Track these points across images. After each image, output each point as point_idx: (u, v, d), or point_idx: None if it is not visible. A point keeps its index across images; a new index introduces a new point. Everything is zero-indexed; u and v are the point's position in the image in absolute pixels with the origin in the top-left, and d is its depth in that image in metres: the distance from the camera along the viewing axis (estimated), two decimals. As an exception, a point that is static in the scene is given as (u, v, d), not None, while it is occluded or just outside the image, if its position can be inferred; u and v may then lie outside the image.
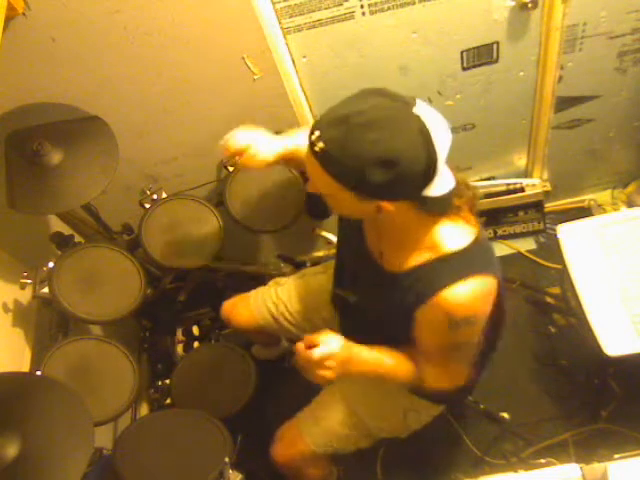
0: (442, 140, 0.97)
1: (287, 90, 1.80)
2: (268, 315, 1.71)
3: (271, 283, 1.78)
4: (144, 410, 2.20)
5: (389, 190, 0.98)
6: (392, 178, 0.95)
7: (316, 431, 1.51)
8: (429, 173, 0.98)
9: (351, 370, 1.19)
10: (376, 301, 1.28)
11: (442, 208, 1.08)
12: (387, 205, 1.01)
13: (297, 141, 1.36)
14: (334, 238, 2.20)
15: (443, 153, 0.98)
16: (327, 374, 1.15)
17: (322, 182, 1.01)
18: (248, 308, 1.75)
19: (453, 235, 1.11)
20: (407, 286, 1.14)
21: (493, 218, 2.35)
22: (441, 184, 1.03)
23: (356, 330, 1.55)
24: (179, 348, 2.33)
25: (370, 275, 1.27)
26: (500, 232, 2.39)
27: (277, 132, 1.88)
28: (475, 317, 1.12)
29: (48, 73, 1.65)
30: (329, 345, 1.14)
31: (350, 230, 1.33)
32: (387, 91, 0.99)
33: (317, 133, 0.97)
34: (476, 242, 1.12)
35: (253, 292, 1.78)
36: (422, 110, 0.97)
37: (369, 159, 0.94)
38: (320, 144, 0.96)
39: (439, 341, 1.17)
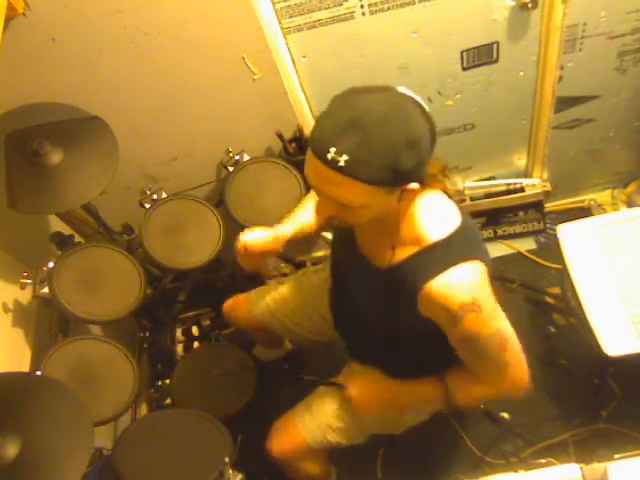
0: (427, 108, 1.01)
1: (287, 90, 1.80)
2: (268, 312, 1.72)
3: (272, 281, 1.79)
4: (144, 410, 2.20)
5: (418, 169, 0.99)
6: (418, 156, 0.97)
7: (311, 424, 1.51)
8: (435, 140, 1.02)
9: (378, 397, 1.35)
10: (374, 302, 1.28)
11: (426, 177, 1.08)
12: (413, 186, 1.01)
13: (298, 221, 1.46)
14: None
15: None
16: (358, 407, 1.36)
17: (353, 195, 0.98)
18: (249, 306, 1.75)
19: (438, 222, 1.12)
20: (398, 280, 1.14)
21: (493, 218, 2.35)
22: None
23: (354, 333, 1.56)
24: (179, 348, 2.33)
25: (361, 273, 1.27)
26: (500, 232, 2.39)
27: (277, 132, 1.90)
28: (474, 304, 1.07)
29: (48, 73, 1.65)
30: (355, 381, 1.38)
31: (342, 233, 1.34)
32: (364, 87, 1.00)
33: (333, 150, 0.93)
34: (460, 228, 1.13)
35: (254, 290, 1.79)
36: (403, 89, 1.01)
37: (397, 147, 0.94)
38: (344, 157, 0.93)
39: (456, 338, 1.15)
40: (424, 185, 1.08)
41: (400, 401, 1.38)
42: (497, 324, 1.13)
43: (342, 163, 0.93)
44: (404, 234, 1.13)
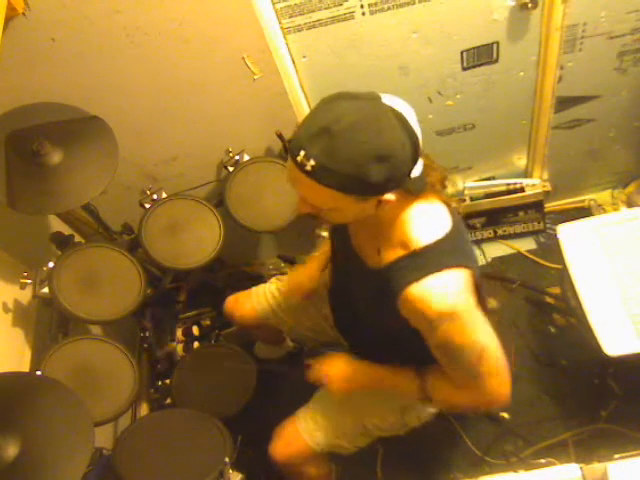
0: (414, 120, 1.00)
1: (287, 90, 1.80)
2: (269, 309, 1.73)
3: (272, 279, 1.80)
4: (144, 410, 2.20)
5: (390, 182, 0.99)
6: (390, 170, 0.97)
7: (314, 429, 1.51)
8: (416, 154, 1.01)
9: (353, 380, 1.37)
10: (369, 301, 1.29)
11: (421, 186, 1.09)
12: (389, 197, 1.02)
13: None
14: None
15: (419, 132, 1.01)
16: (331, 387, 1.37)
17: (321, 198, 1.00)
18: (250, 303, 1.77)
19: (427, 227, 1.12)
20: (385, 281, 1.14)
21: (493, 218, 2.35)
22: (419, 163, 1.06)
23: (353, 332, 1.56)
24: (179, 348, 2.33)
25: (357, 273, 1.28)
26: (500, 232, 2.39)
27: (277, 132, 1.90)
28: (453, 313, 1.07)
29: (48, 73, 1.65)
30: (330, 363, 1.39)
31: (338, 231, 1.35)
32: (349, 93, 0.99)
33: (302, 153, 0.95)
34: (449, 235, 1.12)
35: (255, 288, 1.80)
36: (388, 99, 1.00)
37: (364, 159, 0.94)
38: (310, 162, 0.95)
39: (432, 343, 1.16)
40: (415, 194, 1.09)
41: (374, 385, 1.39)
42: (475, 335, 1.11)
43: (309, 167, 0.95)
44: (394, 237, 1.13)
